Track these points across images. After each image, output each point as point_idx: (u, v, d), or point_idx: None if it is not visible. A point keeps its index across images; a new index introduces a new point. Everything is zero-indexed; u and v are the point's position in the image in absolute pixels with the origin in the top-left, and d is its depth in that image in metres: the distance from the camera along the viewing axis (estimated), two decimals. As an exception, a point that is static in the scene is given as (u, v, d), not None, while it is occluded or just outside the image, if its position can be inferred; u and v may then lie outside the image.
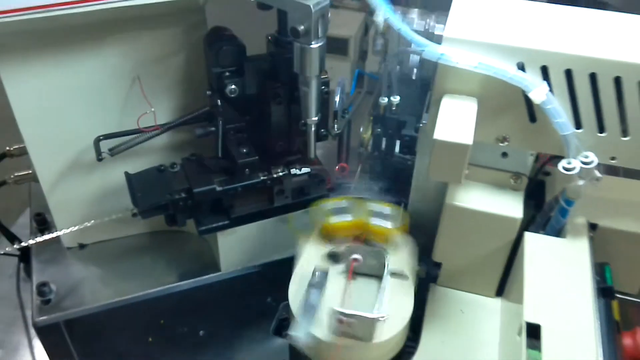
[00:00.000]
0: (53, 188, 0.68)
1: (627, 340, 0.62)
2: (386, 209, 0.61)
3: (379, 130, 0.66)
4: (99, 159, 0.62)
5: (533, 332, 0.48)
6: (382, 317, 0.51)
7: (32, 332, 0.78)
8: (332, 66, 0.78)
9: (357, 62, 0.97)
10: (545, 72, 0.49)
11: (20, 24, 0.51)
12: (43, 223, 0.78)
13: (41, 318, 0.67)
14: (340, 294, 0.56)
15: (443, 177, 0.51)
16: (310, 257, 0.59)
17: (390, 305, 0.55)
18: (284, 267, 0.59)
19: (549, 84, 0.49)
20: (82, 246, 0.76)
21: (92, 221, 0.66)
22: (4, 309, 0.80)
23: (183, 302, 0.77)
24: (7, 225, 0.83)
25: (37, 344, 0.76)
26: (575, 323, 0.49)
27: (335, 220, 0.60)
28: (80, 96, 0.62)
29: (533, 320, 0.48)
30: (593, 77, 0.49)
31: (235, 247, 0.71)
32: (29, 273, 0.85)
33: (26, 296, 0.82)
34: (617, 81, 0.48)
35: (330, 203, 0.61)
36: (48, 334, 0.69)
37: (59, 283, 0.71)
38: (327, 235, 0.61)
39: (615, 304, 0.63)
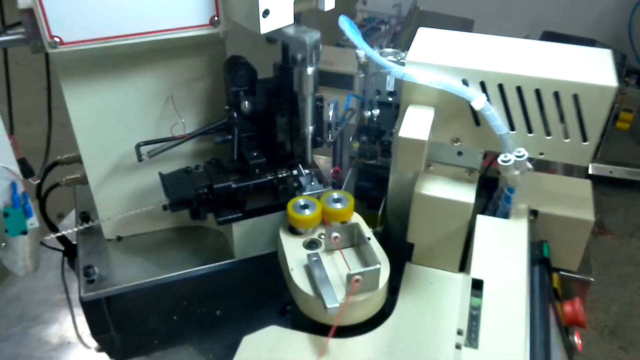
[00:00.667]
0: (99, 187, 0.84)
1: (567, 308, 0.76)
2: (335, 195, 0.75)
3: (364, 138, 0.81)
4: (140, 159, 0.78)
5: (477, 285, 0.62)
6: (379, 265, 0.65)
7: (76, 311, 0.92)
8: (339, 99, 0.91)
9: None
10: (483, 87, 0.65)
11: (84, 52, 0.67)
12: (87, 220, 0.93)
13: (86, 294, 0.82)
14: (338, 266, 0.70)
15: (407, 167, 0.66)
16: (293, 251, 0.74)
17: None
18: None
19: (487, 95, 0.65)
20: (119, 238, 0.91)
21: (132, 212, 0.81)
22: (52, 293, 0.95)
23: (202, 286, 0.92)
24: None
25: (80, 323, 0.90)
26: (510, 280, 0.62)
27: (298, 213, 0.74)
28: (125, 111, 0.79)
29: (477, 276, 0.62)
30: (519, 90, 0.64)
31: (247, 237, 0.86)
32: (72, 265, 1.01)
33: (69, 283, 0.97)
34: (538, 93, 0.63)
35: (296, 200, 0.76)
36: (91, 308, 0.84)
37: (101, 267, 0.85)
38: (297, 228, 0.75)
39: (555, 276, 0.77)
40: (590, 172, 2.77)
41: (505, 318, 0.58)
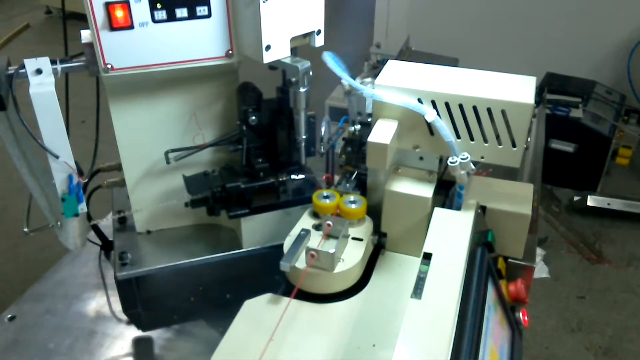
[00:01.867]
0: (134, 187, 1.04)
1: (511, 287, 0.92)
2: (352, 197, 0.93)
3: (349, 149, 1.00)
4: (168, 162, 0.97)
5: (427, 257, 0.79)
6: (333, 251, 0.82)
7: (110, 293, 1.11)
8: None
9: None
10: (434, 104, 0.83)
11: (128, 77, 0.88)
12: (122, 218, 1.13)
13: (121, 274, 1.00)
14: (316, 244, 0.88)
15: (374, 165, 0.84)
16: (302, 225, 0.92)
17: (345, 253, 0.87)
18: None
19: (437, 111, 0.83)
20: (148, 232, 1.10)
21: (160, 205, 1.00)
22: (91, 278, 1.14)
23: (215, 272, 1.10)
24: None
25: (113, 302, 1.08)
26: (452, 253, 0.79)
27: (321, 201, 0.92)
28: (157, 125, 0.99)
29: (428, 250, 0.79)
30: (461, 107, 0.82)
31: (254, 230, 1.04)
32: (107, 257, 1.20)
33: (105, 272, 1.16)
34: (475, 109, 0.82)
35: (321, 192, 0.94)
36: (124, 287, 1.02)
37: (132, 254, 1.04)
38: (317, 213, 0.93)
39: (500, 260, 0.93)
40: (589, 204, 2.91)
41: (444, 280, 0.75)
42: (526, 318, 0.94)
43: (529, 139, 0.82)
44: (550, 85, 3.17)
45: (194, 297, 1.09)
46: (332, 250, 0.83)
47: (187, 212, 1.07)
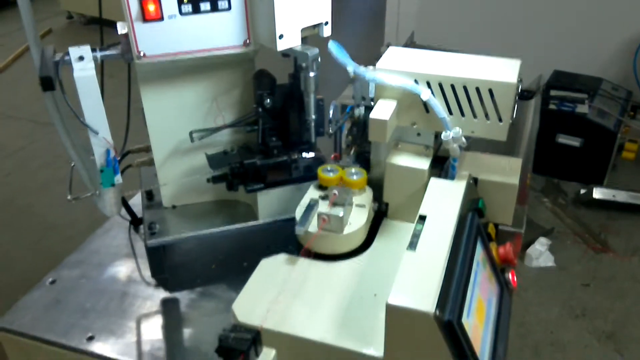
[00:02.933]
0: (162, 165, 1.15)
1: (501, 250, 1.02)
2: (353, 170, 1.04)
3: (354, 130, 1.11)
4: (192, 141, 1.08)
5: (422, 218, 0.89)
6: (342, 215, 0.93)
7: (139, 261, 1.22)
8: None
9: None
10: (429, 85, 0.94)
11: (157, 64, 0.99)
12: (150, 195, 1.24)
13: (150, 242, 1.12)
14: (325, 211, 0.99)
15: (376, 138, 0.95)
16: (310, 196, 1.03)
17: (351, 217, 0.97)
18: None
19: (432, 91, 0.94)
20: (174, 207, 1.22)
21: (185, 179, 1.12)
22: (122, 249, 1.26)
23: (234, 242, 1.21)
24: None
25: (142, 269, 1.20)
26: (444, 216, 0.90)
27: (326, 174, 1.03)
28: (182, 108, 1.10)
29: (423, 213, 0.90)
30: (453, 87, 0.93)
31: (268, 203, 1.15)
32: (136, 231, 1.31)
33: (134, 243, 1.28)
34: (465, 89, 0.92)
35: (325, 167, 1.05)
36: (153, 253, 1.14)
37: (160, 225, 1.15)
38: (322, 185, 1.04)
39: (491, 225, 1.03)
40: (595, 196, 2.98)
41: (436, 236, 0.85)
42: (515, 279, 1.04)
43: (514, 116, 0.92)
44: (558, 82, 3.25)
45: (214, 265, 1.20)
46: (340, 214, 0.94)
47: (209, 188, 1.19)
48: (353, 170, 1.04)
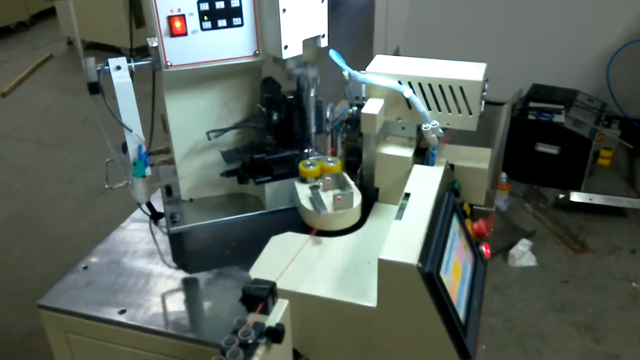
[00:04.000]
0: (181, 162, 1.32)
1: (475, 225, 1.19)
2: (329, 158, 1.22)
3: (349, 127, 1.29)
4: (209, 139, 1.26)
5: (407, 195, 1.07)
6: (352, 190, 1.11)
7: (161, 249, 1.38)
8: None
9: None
10: (410, 85, 1.12)
11: (181, 72, 1.17)
12: (169, 191, 1.41)
13: (173, 229, 1.28)
14: (329, 197, 1.16)
15: (367, 130, 1.13)
16: (303, 191, 1.20)
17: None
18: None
19: (413, 90, 1.12)
20: (191, 200, 1.39)
21: (203, 172, 1.29)
22: (144, 239, 1.42)
23: (245, 229, 1.38)
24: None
25: (164, 255, 1.36)
26: (425, 194, 1.07)
27: (307, 167, 1.21)
28: (200, 112, 1.28)
29: (407, 191, 1.08)
30: (430, 86, 1.11)
31: (274, 194, 1.32)
32: (156, 223, 1.48)
33: (155, 235, 1.44)
34: (441, 87, 1.11)
35: (304, 162, 1.22)
36: (174, 239, 1.30)
37: (180, 215, 1.32)
38: (305, 177, 1.21)
39: (466, 205, 1.21)
40: (573, 199, 3.17)
41: (419, 209, 1.03)
42: (488, 251, 1.21)
43: (482, 109, 1.11)
44: (536, 95, 3.47)
45: (229, 250, 1.36)
46: (351, 190, 1.11)
47: (222, 183, 1.36)
48: (329, 159, 1.21)
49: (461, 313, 1.00)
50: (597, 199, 3.13)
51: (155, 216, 1.48)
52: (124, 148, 1.22)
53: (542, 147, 3.30)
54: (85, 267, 1.33)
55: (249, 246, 1.34)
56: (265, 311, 0.89)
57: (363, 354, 1.03)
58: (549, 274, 2.86)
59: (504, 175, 3.08)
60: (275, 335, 0.84)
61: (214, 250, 1.37)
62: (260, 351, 0.83)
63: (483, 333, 2.56)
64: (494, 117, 1.76)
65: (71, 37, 5.91)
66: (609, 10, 3.57)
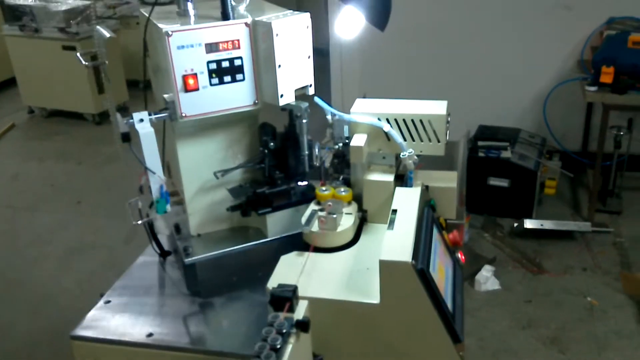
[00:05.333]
0: (191, 200, 1.51)
1: (450, 236, 1.41)
2: (342, 188, 1.43)
3: (335, 160, 1.50)
4: (217, 178, 1.45)
5: (394, 211, 1.28)
6: (335, 216, 1.31)
7: (174, 278, 1.54)
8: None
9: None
10: (388, 121, 1.36)
11: (192, 122, 1.37)
12: (178, 229, 1.58)
13: (187, 260, 1.45)
14: (323, 214, 1.36)
15: (355, 160, 1.35)
16: (311, 208, 1.40)
17: (343, 219, 1.35)
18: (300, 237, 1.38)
19: (390, 124, 1.35)
20: (199, 235, 1.56)
21: (209, 210, 1.47)
22: (155, 276, 1.57)
23: (248, 257, 1.55)
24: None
25: (178, 285, 1.52)
26: (409, 210, 1.29)
27: (321, 192, 1.41)
28: (208, 154, 1.47)
29: (394, 207, 1.29)
30: (404, 121, 1.35)
31: (275, 223, 1.51)
32: (164, 260, 1.63)
33: (165, 269, 1.59)
34: (413, 121, 1.35)
35: (320, 187, 1.43)
36: (189, 269, 1.46)
37: (191, 247, 1.49)
38: (319, 200, 1.42)
39: (441, 219, 1.43)
40: (526, 226, 3.46)
41: (406, 221, 1.24)
42: (463, 257, 1.43)
43: (447, 138, 1.35)
44: (483, 134, 3.80)
45: (235, 277, 1.53)
46: (334, 216, 1.32)
47: (226, 218, 1.54)
48: (342, 189, 1.42)
49: (449, 304, 1.20)
50: (547, 224, 3.43)
51: (163, 254, 1.64)
52: (141, 189, 1.40)
53: (493, 181, 3.60)
54: (108, 302, 1.47)
55: (254, 272, 1.53)
56: (291, 309, 1.07)
57: (369, 347, 1.21)
58: (512, 295, 3.09)
59: (465, 222, 3.34)
60: (303, 326, 1.02)
61: (222, 278, 1.53)
62: (292, 339, 1.00)
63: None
64: (452, 151, 2.02)
65: (32, 106, 6.01)
66: (541, 56, 3.99)
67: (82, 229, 3.92)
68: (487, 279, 3.13)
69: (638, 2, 3.55)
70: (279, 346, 0.95)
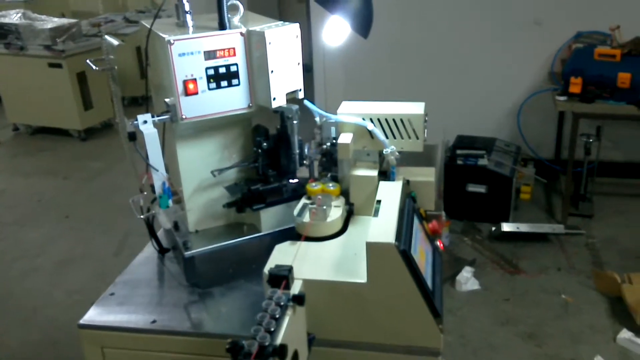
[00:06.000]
0: (189, 198, 1.62)
1: (430, 225, 1.54)
2: (330, 184, 1.55)
3: (324, 159, 1.63)
4: (214, 176, 1.56)
5: (378, 202, 1.41)
6: (325, 207, 1.43)
7: (173, 275, 1.64)
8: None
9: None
10: (372, 120, 1.49)
11: (191, 124, 1.49)
12: (176, 226, 1.69)
13: (187, 253, 1.55)
14: (314, 209, 1.48)
15: (343, 157, 1.47)
16: (303, 202, 1.52)
17: (332, 211, 1.47)
18: (292, 231, 1.50)
19: (374, 124, 1.49)
20: (197, 231, 1.67)
21: (206, 207, 1.59)
22: (155, 271, 1.67)
23: (244, 251, 1.66)
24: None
25: (178, 278, 1.62)
26: (392, 200, 1.41)
27: (312, 187, 1.54)
28: (206, 154, 1.59)
29: (379, 198, 1.42)
30: (387, 120, 1.48)
31: (268, 218, 1.62)
32: (162, 256, 1.74)
33: (163, 265, 1.70)
34: (394, 120, 1.48)
35: (311, 183, 1.55)
36: (188, 262, 1.57)
37: (191, 242, 1.60)
38: (310, 195, 1.54)
39: (422, 210, 1.56)
40: (504, 229, 3.61)
41: (388, 210, 1.37)
42: (442, 245, 1.56)
43: (425, 136, 1.48)
44: (461, 144, 3.96)
45: (232, 269, 1.64)
46: (324, 208, 1.44)
47: (222, 215, 1.66)
48: (330, 184, 1.55)
49: (429, 283, 1.32)
50: (523, 227, 3.59)
51: (162, 250, 1.74)
52: (142, 189, 1.52)
53: (472, 188, 3.76)
54: (112, 294, 1.57)
55: (249, 264, 1.64)
56: (287, 287, 1.18)
57: (357, 323, 1.33)
58: (491, 295, 3.23)
59: (443, 213, 3.49)
60: (299, 299, 1.14)
61: (219, 270, 1.64)
62: (289, 312, 1.12)
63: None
64: (431, 153, 2.16)
65: (17, 123, 6.06)
66: (514, 69, 4.19)
67: (70, 242, 3.98)
68: (467, 279, 3.27)
69: (604, 18, 3.76)
70: (277, 316, 1.06)
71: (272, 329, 1.02)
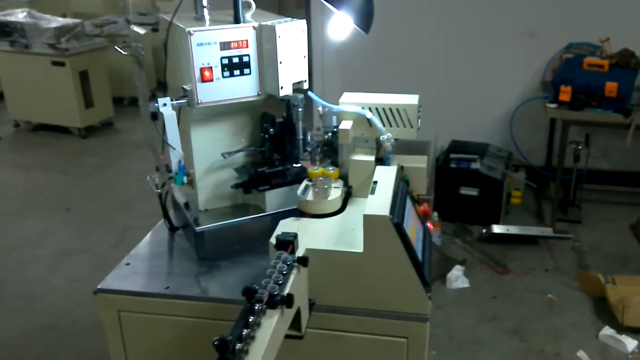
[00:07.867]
0: (200, 178, 1.75)
1: (421, 208, 1.68)
2: (330, 167, 1.69)
3: (325, 147, 1.77)
4: (225, 158, 1.70)
5: (375, 182, 1.55)
6: (326, 186, 1.57)
7: (183, 247, 1.77)
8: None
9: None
10: (370, 109, 1.63)
11: (205, 108, 1.62)
12: (187, 206, 1.82)
13: (197, 228, 1.69)
14: (316, 188, 1.62)
15: (343, 141, 1.61)
16: (305, 183, 1.66)
17: (332, 191, 1.61)
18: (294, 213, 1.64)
19: (372, 112, 1.63)
20: (206, 210, 1.80)
21: (215, 187, 1.72)
22: (165, 245, 1.80)
23: (249, 230, 1.80)
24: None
25: (188, 253, 1.75)
26: (387, 181, 1.55)
27: (313, 171, 1.67)
28: (217, 138, 1.72)
29: (375, 179, 1.55)
30: (384, 109, 1.63)
31: (273, 199, 1.76)
32: (172, 234, 1.87)
33: (172, 241, 1.83)
34: (391, 110, 1.62)
35: (312, 167, 1.69)
36: (199, 236, 1.70)
37: (201, 219, 1.73)
38: (311, 178, 1.67)
39: (414, 194, 1.70)
40: (494, 231, 3.75)
41: (383, 189, 1.50)
42: (431, 227, 1.69)
43: (419, 125, 1.63)
44: (455, 148, 4.11)
45: (237, 246, 1.77)
46: (326, 186, 1.58)
47: (230, 195, 1.79)
48: (330, 168, 1.69)
49: (419, 256, 1.46)
50: (513, 230, 3.73)
51: (172, 228, 1.88)
52: (158, 168, 1.65)
53: (464, 190, 3.90)
54: (128, 264, 1.70)
55: (254, 242, 1.78)
56: (292, 252, 1.32)
57: (353, 291, 1.46)
58: (479, 293, 3.36)
59: (435, 214, 3.63)
60: (304, 261, 1.27)
61: (226, 247, 1.77)
62: (295, 271, 1.25)
63: (429, 342, 3.01)
64: (425, 148, 2.31)
65: (18, 119, 6.18)
66: (508, 77, 4.35)
67: (69, 234, 4.09)
68: (457, 277, 3.40)
69: (593, 30, 3.93)
70: (285, 272, 1.20)
71: (280, 282, 1.16)
